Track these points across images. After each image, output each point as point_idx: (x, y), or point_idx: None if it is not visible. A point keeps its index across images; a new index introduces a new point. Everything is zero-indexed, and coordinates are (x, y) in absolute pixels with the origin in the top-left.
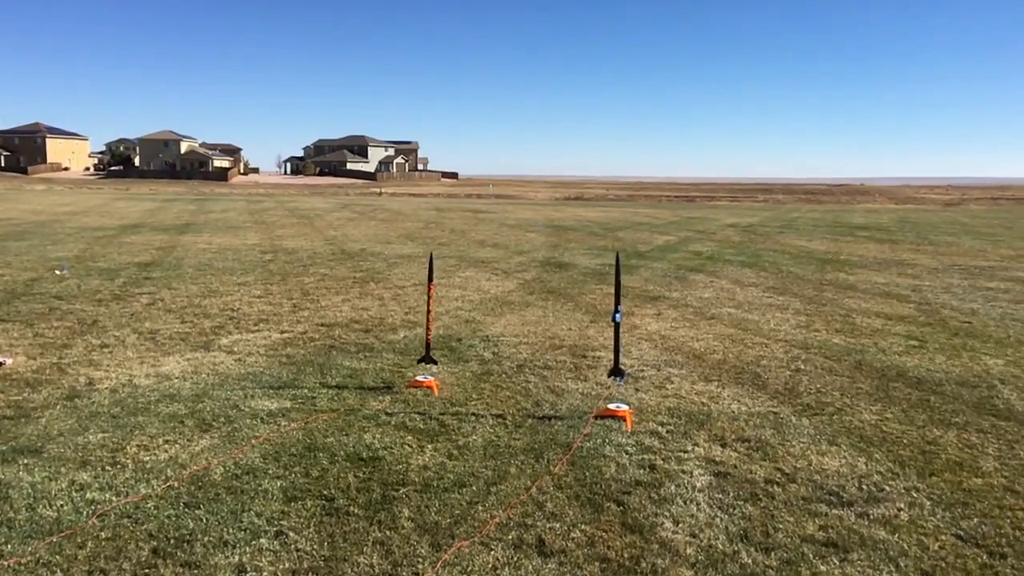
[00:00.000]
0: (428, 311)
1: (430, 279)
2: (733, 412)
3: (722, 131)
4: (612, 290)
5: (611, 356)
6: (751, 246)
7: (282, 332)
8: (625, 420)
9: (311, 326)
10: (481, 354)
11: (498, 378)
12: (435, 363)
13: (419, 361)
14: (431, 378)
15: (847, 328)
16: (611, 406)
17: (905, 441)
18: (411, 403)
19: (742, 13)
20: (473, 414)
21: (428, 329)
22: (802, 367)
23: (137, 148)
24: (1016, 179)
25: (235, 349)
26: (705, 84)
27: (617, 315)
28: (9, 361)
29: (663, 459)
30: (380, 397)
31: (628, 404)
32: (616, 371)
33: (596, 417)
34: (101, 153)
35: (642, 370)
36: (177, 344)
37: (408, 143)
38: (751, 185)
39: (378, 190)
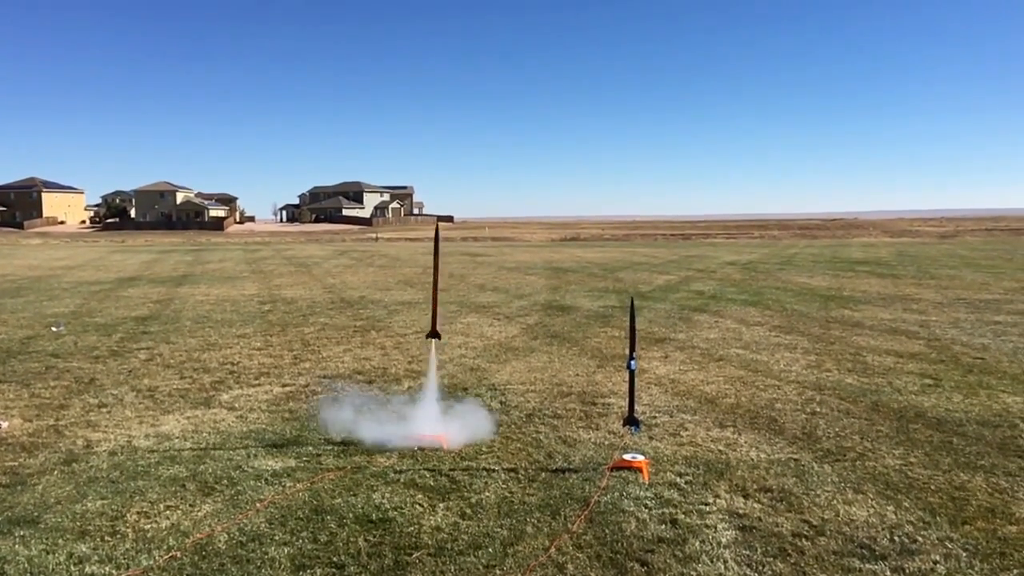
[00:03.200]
0: (434, 284)
1: (436, 250)
2: (752, 460)
3: (715, 168)
4: (617, 333)
5: (621, 402)
6: (753, 284)
7: (284, 386)
8: (642, 471)
9: (313, 378)
10: (489, 404)
11: (508, 429)
12: (438, 337)
13: (427, 336)
14: (640, 458)
15: (859, 367)
16: (627, 457)
17: (932, 487)
18: (419, 458)
19: (731, 51)
20: (484, 468)
21: (434, 301)
22: (818, 409)
23: (133, 200)
24: (1008, 210)
25: (236, 405)
26: (695, 122)
27: (632, 363)
28: (5, 424)
29: (684, 513)
30: (387, 453)
31: (644, 454)
32: (631, 420)
33: (612, 469)
34: (97, 206)
35: (655, 417)
36: (176, 401)
37: (403, 188)
38: (746, 221)
39: (374, 235)
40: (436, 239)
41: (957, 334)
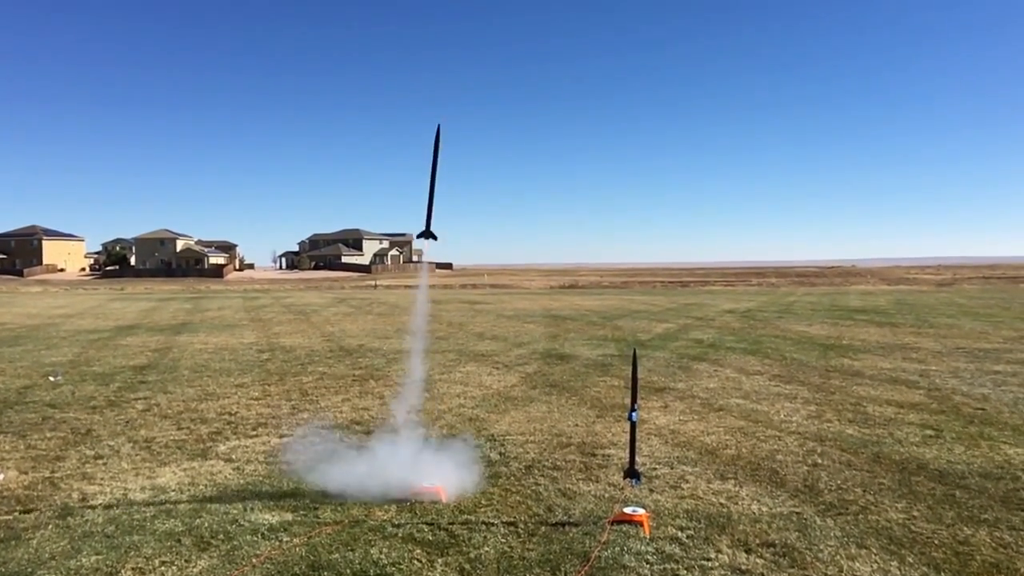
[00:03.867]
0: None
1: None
2: (754, 513)
3: (713, 216)
4: (617, 382)
5: (621, 454)
6: (752, 332)
7: (281, 436)
8: (643, 525)
9: (311, 429)
10: (488, 455)
11: (507, 481)
12: (435, 238)
13: (418, 236)
14: (641, 511)
15: (859, 418)
16: (627, 510)
17: (936, 542)
18: (418, 512)
19: (728, 100)
20: (483, 522)
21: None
22: (819, 461)
23: (133, 247)
24: (1005, 258)
25: (233, 457)
26: (693, 171)
27: (634, 414)
28: (1, 477)
29: (687, 568)
30: (386, 506)
31: (644, 507)
32: (632, 472)
33: (612, 522)
34: (97, 253)
35: (655, 468)
36: (173, 453)
37: (402, 235)
38: (744, 268)
39: (373, 283)
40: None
41: (957, 384)
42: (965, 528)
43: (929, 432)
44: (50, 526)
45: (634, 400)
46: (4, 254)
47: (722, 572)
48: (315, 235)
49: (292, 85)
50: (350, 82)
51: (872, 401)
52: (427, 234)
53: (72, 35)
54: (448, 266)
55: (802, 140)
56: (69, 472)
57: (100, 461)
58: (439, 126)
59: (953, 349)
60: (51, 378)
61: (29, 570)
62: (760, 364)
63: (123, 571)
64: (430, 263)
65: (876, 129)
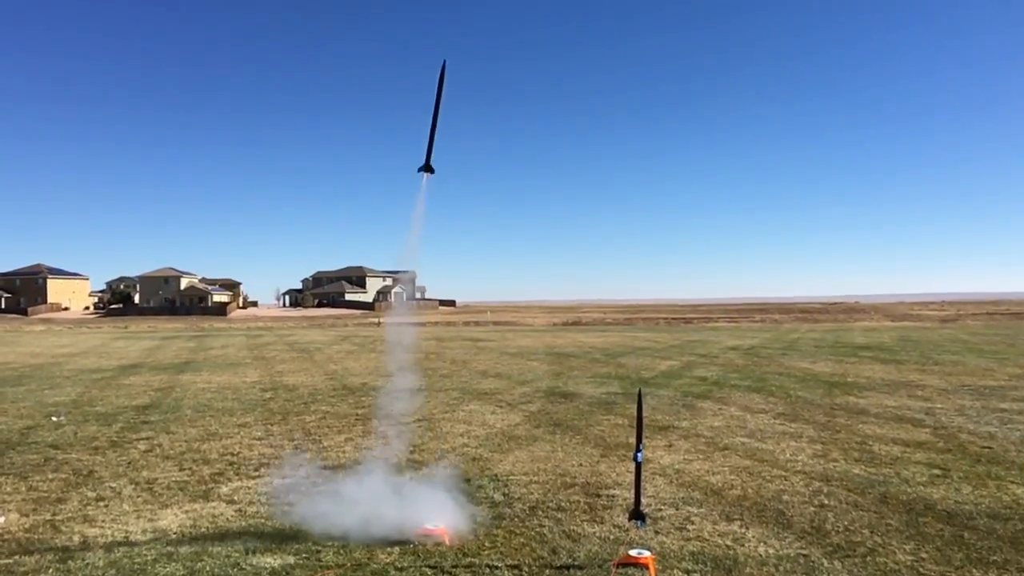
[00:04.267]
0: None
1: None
2: (761, 556)
3: (715, 252)
4: (621, 421)
5: (626, 494)
6: (756, 370)
7: (284, 477)
8: (648, 568)
9: (314, 470)
10: (491, 495)
11: (511, 522)
12: (432, 171)
13: (419, 170)
14: (646, 553)
15: (865, 457)
16: (632, 552)
17: None
18: (421, 555)
19: (730, 133)
20: (487, 565)
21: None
22: (826, 502)
23: (137, 286)
24: (1008, 293)
25: (235, 498)
26: (696, 206)
27: (639, 455)
28: (2, 520)
29: None
30: (389, 548)
31: (650, 549)
32: (637, 514)
33: (617, 565)
34: (102, 292)
35: (660, 509)
36: (175, 494)
37: (406, 272)
38: (747, 305)
39: (376, 320)
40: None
41: (963, 422)
42: (974, 570)
43: (936, 471)
44: (51, 570)
45: (639, 441)
46: (9, 293)
47: None
48: (319, 272)
49: (297, 123)
50: (354, 121)
51: (878, 440)
52: (427, 167)
53: (76, 75)
54: (451, 303)
55: (803, 176)
56: (70, 515)
57: (102, 503)
58: (444, 62)
59: (958, 387)
60: (53, 418)
61: None
62: (765, 402)
63: None
64: (433, 300)
65: (877, 164)
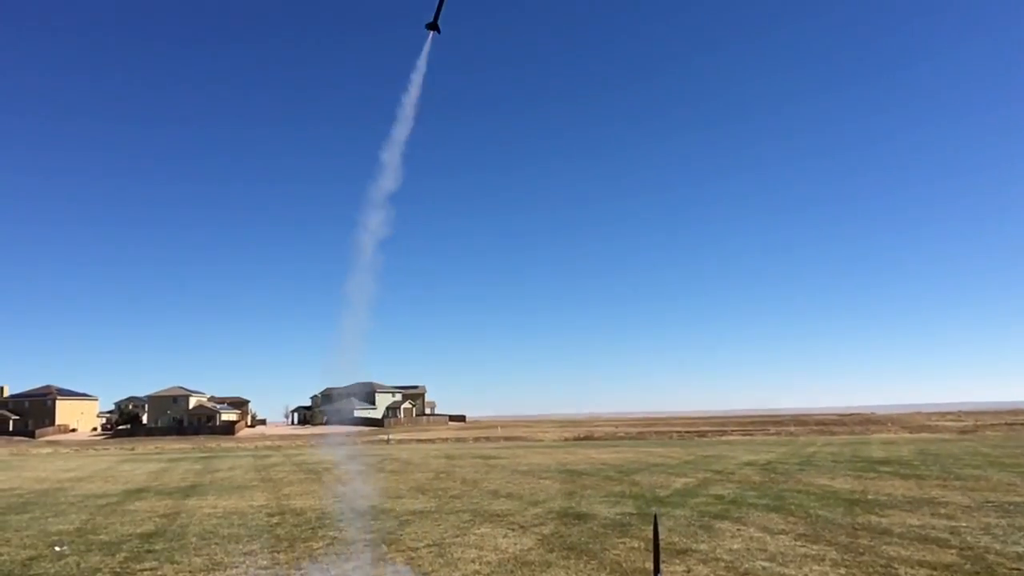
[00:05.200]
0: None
1: None
2: None
3: (727, 363)
4: (637, 544)
5: None
6: (773, 487)
7: None
8: None
9: None
10: None
11: None
12: (439, 31)
13: (426, 27)
14: None
15: None
16: None
17: None
18: None
19: (738, 241)
20: None
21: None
22: None
23: (146, 405)
24: None
25: None
26: (705, 318)
27: None
28: None
29: None
30: None
31: None
32: None
33: None
34: (110, 412)
35: None
36: None
37: (415, 387)
38: (761, 417)
39: (386, 437)
40: None
41: (990, 542)
42: None
43: None
44: None
45: (657, 570)
46: (17, 415)
47: None
48: (328, 389)
49: (305, 236)
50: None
51: (903, 562)
52: (434, 26)
53: (85, 199)
54: (461, 418)
55: (815, 285)
56: None
57: None
58: None
59: (982, 503)
60: (56, 548)
61: None
62: (784, 522)
63: None
64: (443, 415)
65: (889, 270)
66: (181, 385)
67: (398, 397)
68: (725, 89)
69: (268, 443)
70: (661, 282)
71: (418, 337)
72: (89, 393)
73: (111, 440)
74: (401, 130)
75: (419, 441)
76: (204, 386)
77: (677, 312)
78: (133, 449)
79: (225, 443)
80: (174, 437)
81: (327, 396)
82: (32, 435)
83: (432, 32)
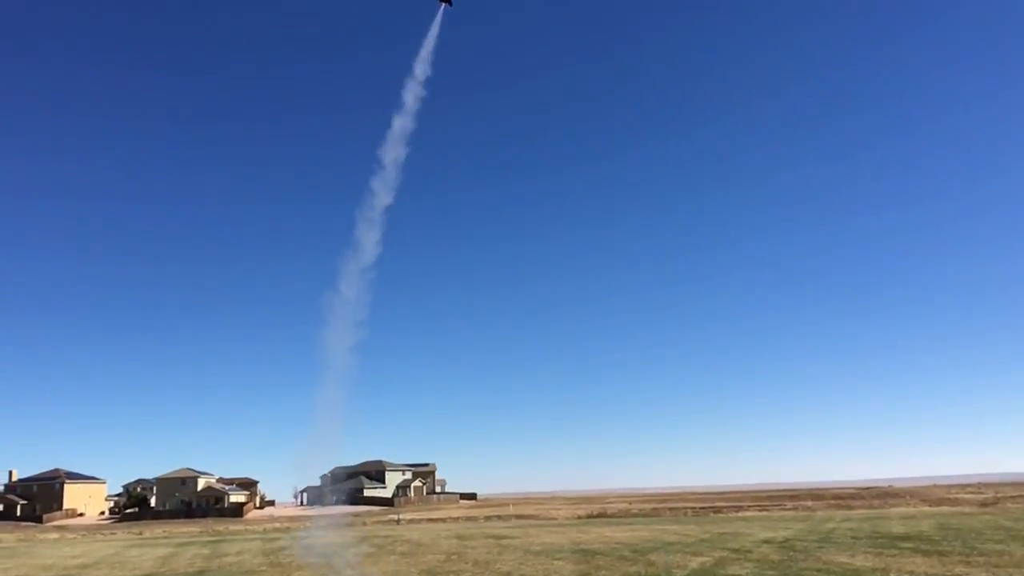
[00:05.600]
0: None
1: None
2: None
3: (739, 436)
4: None
5: None
6: (793, 566)
7: None
8: None
9: None
10: None
11: None
12: (451, 4)
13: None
14: None
15: None
16: None
17: None
18: None
19: (746, 314)
20: None
21: None
22: None
23: (154, 488)
24: None
25: None
26: (719, 390)
27: None
28: None
29: None
30: None
31: None
32: None
33: None
34: (118, 495)
35: None
36: None
37: (425, 465)
38: (777, 491)
39: (396, 517)
40: None
41: None
42: None
43: None
44: None
45: None
46: (26, 499)
47: None
48: (337, 468)
49: (311, 314)
50: (371, 317)
51: None
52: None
53: (94, 283)
54: (472, 496)
55: (828, 356)
56: None
57: None
58: None
59: None
60: None
61: None
62: None
63: None
64: (454, 494)
65: (906, 342)
66: (190, 466)
67: (408, 475)
68: (729, 156)
69: (277, 525)
70: (673, 355)
71: (427, 414)
72: (97, 476)
73: (119, 524)
74: (388, 194)
75: (430, 520)
76: (212, 466)
77: (689, 386)
78: (141, 533)
79: (233, 526)
80: (182, 520)
81: (337, 476)
82: (40, 520)
83: (444, 4)
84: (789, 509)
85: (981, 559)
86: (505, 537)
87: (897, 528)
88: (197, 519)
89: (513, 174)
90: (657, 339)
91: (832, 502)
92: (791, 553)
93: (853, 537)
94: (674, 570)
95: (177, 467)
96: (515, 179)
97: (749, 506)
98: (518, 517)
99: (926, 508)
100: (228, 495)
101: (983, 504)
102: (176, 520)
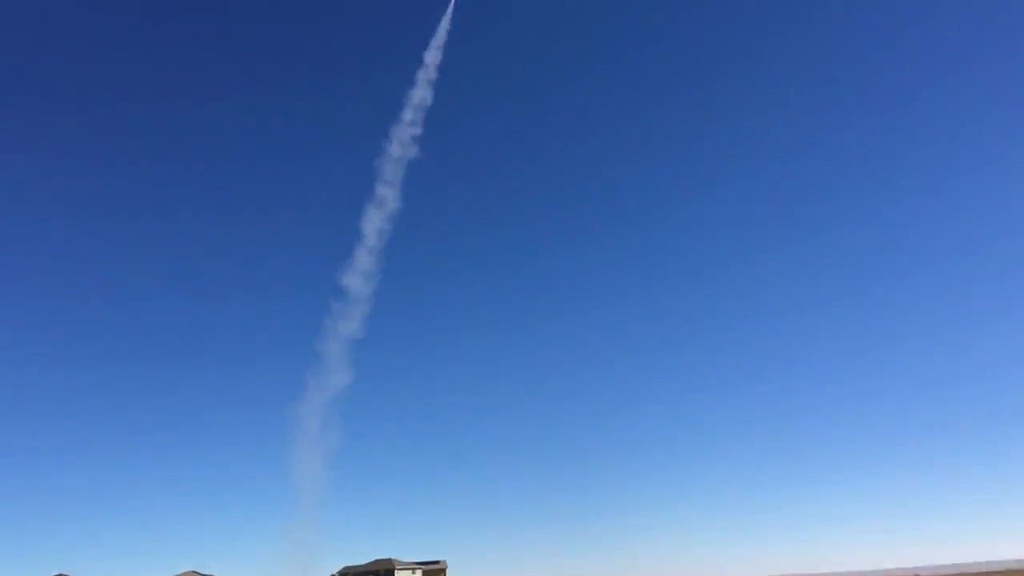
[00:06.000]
0: None
1: None
2: None
3: (750, 526)
4: None
5: None
6: None
7: None
8: None
9: None
10: None
11: None
12: None
13: None
14: None
15: None
16: None
17: None
18: None
19: (755, 403)
20: None
21: None
22: None
23: None
24: None
25: None
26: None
27: None
28: None
29: None
30: None
31: None
32: None
33: None
34: None
35: None
36: None
37: (436, 563)
38: None
39: None
40: None
41: None
42: None
43: None
44: None
45: None
46: None
47: None
48: (346, 568)
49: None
50: (375, 410)
51: None
52: None
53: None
54: None
55: (837, 439)
56: None
57: None
58: None
59: None
60: None
61: None
62: None
63: None
64: None
65: (911, 418)
66: (195, 569)
67: (419, 574)
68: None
69: None
70: (692, 446)
71: (437, 510)
72: None
73: None
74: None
75: None
76: (218, 568)
77: (708, 475)
78: None
79: None
80: None
81: (344, 575)
82: None
83: None
84: None
85: None
86: None
87: None
88: None
89: (512, 256)
90: (681, 431)
91: None
92: None
93: None
94: None
95: (185, 568)
96: (516, 257)
97: None
98: None
99: None
100: None
101: None
102: None
